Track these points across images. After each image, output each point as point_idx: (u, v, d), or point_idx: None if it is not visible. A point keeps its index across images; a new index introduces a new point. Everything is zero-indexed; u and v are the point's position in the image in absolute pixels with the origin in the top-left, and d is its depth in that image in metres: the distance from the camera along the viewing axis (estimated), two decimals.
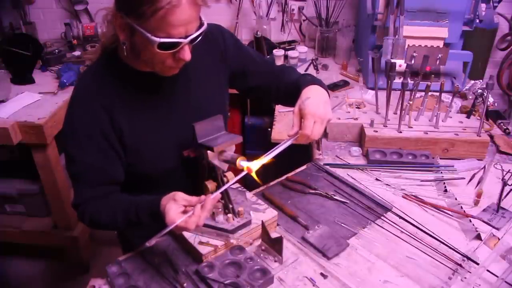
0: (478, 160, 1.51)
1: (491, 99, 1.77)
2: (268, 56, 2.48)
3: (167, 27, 0.91)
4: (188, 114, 1.12)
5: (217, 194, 0.97)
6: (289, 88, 1.24)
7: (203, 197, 0.94)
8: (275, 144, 1.05)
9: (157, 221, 0.94)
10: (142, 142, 1.12)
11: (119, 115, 1.07)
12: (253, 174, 0.98)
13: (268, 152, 1.03)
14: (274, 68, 1.33)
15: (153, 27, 0.91)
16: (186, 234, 1.11)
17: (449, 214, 1.27)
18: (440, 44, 1.96)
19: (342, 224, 1.22)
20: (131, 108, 1.09)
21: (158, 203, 0.96)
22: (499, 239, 1.17)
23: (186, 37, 0.95)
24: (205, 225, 1.10)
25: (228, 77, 1.27)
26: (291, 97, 1.22)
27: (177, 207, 0.92)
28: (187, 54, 0.98)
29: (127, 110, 1.09)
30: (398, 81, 1.59)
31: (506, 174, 1.44)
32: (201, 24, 0.99)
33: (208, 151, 1.05)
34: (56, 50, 2.47)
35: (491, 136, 1.66)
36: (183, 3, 0.90)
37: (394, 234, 1.19)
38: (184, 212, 0.93)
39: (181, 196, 0.94)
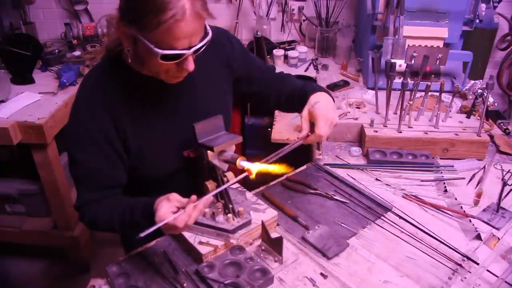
0: (478, 160, 1.51)
1: (491, 99, 1.77)
2: (268, 56, 2.48)
3: (171, 40, 0.91)
4: (192, 117, 1.11)
5: (210, 196, 0.97)
6: (293, 95, 1.30)
7: (193, 197, 0.94)
8: (275, 144, 1.06)
9: (151, 221, 0.94)
10: (146, 146, 1.12)
11: (123, 119, 1.07)
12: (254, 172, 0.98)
13: (276, 153, 1.04)
14: (276, 75, 1.37)
15: (156, 39, 0.91)
16: (186, 234, 1.11)
17: (449, 214, 1.27)
18: (440, 44, 1.96)
19: (342, 224, 1.22)
20: (135, 112, 1.09)
21: (152, 204, 0.96)
22: (499, 239, 1.17)
23: (189, 48, 0.94)
24: (205, 225, 1.10)
25: (232, 81, 1.28)
26: (294, 103, 1.28)
27: (169, 206, 0.93)
28: (190, 65, 0.98)
29: (132, 114, 1.08)
30: (398, 81, 1.59)
31: (506, 174, 1.44)
32: (206, 34, 0.98)
33: (208, 151, 1.05)
34: (56, 50, 2.47)
35: (491, 136, 1.66)
36: (187, 17, 0.89)
37: (394, 234, 1.19)
38: (175, 213, 0.93)
39: (175, 197, 0.95)
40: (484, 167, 1.44)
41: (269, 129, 2.04)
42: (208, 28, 0.99)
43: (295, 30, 2.81)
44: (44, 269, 2.50)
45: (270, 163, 1.02)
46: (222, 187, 1.02)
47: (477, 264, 1.07)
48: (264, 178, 1.06)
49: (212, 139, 1.08)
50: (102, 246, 2.51)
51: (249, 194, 1.27)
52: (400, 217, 1.25)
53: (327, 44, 2.59)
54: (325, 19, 2.55)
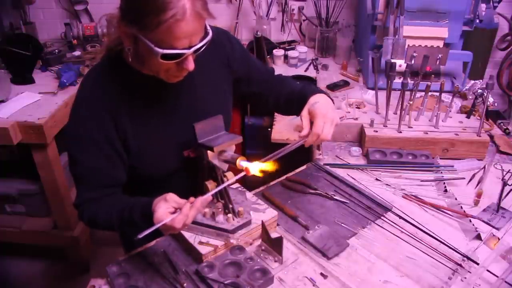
0: (478, 160, 1.51)
1: (491, 99, 1.77)
2: (268, 56, 2.48)
3: (171, 39, 0.91)
4: (192, 117, 1.11)
5: (209, 196, 0.97)
6: (292, 97, 1.31)
7: (192, 198, 0.94)
8: (275, 144, 1.06)
9: (149, 221, 0.94)
10: (146, 146, 1.12)
11: (123, 118, 1.07)
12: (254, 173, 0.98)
13: (277, 152, 1.04)
14: (275, 77, 1.38)
15: (156, 39, 0.91)
16: (186, 234, 1.11)
17: (449, 214, 1.27)
18: (440, 44, 1.96)
19: (342, 224, 1.22)
20: (135, 112, 1.09)
21: (150, 204, 0.96)
22: (499, 239, 1.17)
23: (189, 47, 0.95)
24: (205, 225, 1.10)
25: (232, 81, 1.28)
26: (293, 105, 1.29)
27: (166, 207, 0.93)
28: (190, 64, 0.98)
29: (132, 113, 1.09)
30: (398, 81, 1.59)
31: (506, 174, 1.44)
32: (206, 34, 0.98)
33: (208, 151, 1.05)
34: (56, 50, 2.47)
35: (491, 136, 1.66)
36: (188, 16, 0.90)
37: (394, 234, 1.19)
38: (173, 213, 0.93)
39: (172, 197, 0.94)
40: (484, 167, 1.44)
41: (269, 129, 2.04)
42: (208, 28, 0.99)
43: (295, 30, 2.81)
44: (44, 269, 2.50)
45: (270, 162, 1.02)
46: (220, 187, 1.02)
47: (477, 264, 1.07)
48: (264, 178, 1.06)
49: (212, 139, 1.08)
50: (102, 246, 2.51)
51: (249, 194, 1.27)
52: (400, 217, 1.25)
53: (327, 44, 2.59)
54: (325, 19, 2.56)
